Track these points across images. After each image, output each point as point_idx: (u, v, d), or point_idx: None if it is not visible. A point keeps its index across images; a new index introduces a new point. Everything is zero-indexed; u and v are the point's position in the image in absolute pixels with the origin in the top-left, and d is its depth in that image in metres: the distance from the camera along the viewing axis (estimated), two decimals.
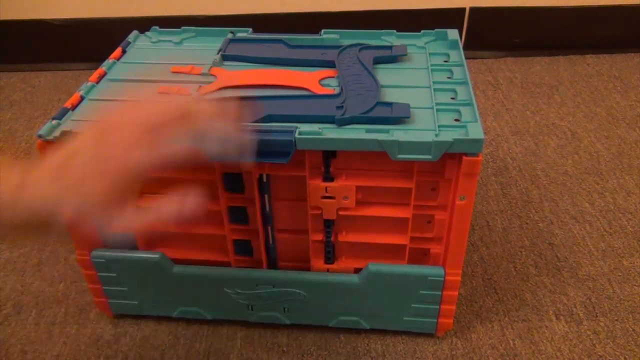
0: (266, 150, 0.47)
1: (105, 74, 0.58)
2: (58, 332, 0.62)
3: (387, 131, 0.47)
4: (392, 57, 0.59)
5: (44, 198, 0.36)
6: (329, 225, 0.54)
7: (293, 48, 0.60)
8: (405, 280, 0.55)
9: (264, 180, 0.52)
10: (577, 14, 1.12)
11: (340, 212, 0.53)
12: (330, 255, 0.56)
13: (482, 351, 0.59)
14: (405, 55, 0.59)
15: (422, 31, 0.63)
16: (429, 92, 0.53)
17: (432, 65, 0.57)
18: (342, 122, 0.49)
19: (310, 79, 0.55)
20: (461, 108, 0.50)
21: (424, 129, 0.48)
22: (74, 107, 0.53)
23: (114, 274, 0.58)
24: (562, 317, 0.62)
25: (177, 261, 0.57)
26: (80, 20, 1.12)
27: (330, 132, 0.48)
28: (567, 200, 0.78)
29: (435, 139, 0.46)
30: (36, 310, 0.65)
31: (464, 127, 0.47)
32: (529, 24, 1.14)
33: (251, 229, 0.55)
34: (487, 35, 1.15)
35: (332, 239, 0.55)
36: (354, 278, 0.56)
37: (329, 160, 0.50)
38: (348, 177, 0.51)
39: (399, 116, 0.48)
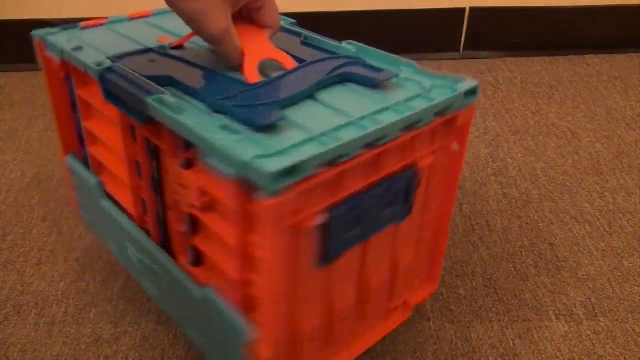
0: (128, 101, 0.41)
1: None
2: (58, 332, 0.62)
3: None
4: (367, 80, 0.44)
5: None
6: (187, 219, 0.44)
7: (305, 46, 0.53)
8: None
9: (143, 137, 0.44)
10: (577, 14, 1.13)
11: (193, 210, 0.42)
12: (193, 257, 0.46)
13: (482, 351, 0.59)
14: (388, 82, 0.45)
15: (443, 74, 0.47)
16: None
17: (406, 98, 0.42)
18: (214, 107, 0.40)
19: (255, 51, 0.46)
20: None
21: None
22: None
23: (76, 184, 0.59)
24: (562, 317, 0.62)
25: (110, 195, 0.55)
26: (80, 20, 1.12)
27: (187, 116, 0.38)
28: (567, 200, 0.78)
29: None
30: (36, 310, 0.65)
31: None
32: (529, 24, 1.14)
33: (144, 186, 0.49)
34: (487, 35, 1.15)
35: (192, 240, 0.45)
36: (197, 291, 0.45)
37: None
38: (206, 170, 0.39)
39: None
